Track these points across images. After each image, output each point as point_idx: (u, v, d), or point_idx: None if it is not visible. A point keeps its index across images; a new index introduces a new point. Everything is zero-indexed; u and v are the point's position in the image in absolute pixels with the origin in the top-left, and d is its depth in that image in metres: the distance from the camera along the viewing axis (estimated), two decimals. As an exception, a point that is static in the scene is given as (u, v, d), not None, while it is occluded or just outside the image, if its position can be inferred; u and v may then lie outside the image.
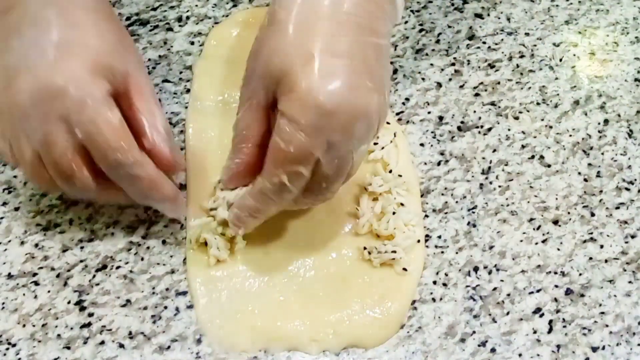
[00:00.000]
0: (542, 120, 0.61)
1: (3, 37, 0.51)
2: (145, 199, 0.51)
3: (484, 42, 0.66)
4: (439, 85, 0.63)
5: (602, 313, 0.52)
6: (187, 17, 0.67)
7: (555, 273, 0.54)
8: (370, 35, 0.49)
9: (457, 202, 0.57)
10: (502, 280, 0.53)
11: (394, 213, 0.54)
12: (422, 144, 0.60)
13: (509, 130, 0.61)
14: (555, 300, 0.52)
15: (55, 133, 0.48)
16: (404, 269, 0.53)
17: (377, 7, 0.49)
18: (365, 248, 0.53)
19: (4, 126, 0.50)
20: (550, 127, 0.61)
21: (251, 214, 0.50)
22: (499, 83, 0.63)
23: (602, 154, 0.59)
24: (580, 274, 0.54)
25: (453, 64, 0.65)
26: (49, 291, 0.53)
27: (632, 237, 0.55)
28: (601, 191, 0.57)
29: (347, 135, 0.47)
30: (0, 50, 0.51)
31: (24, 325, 0.51)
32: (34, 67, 0.49)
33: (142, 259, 0.54)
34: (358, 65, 0.47)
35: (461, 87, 0.63)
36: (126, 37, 0.55)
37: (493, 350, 0.50)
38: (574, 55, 0.65)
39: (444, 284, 0.53)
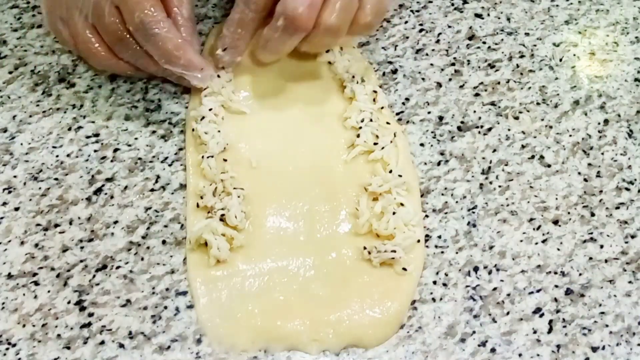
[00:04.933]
0: (542, 120, 0.61)
1: None
2: (170, 62, 0.57)
3: (484, 42, 0.66)
4: (439, 85, 0.63)
5: (602, 313, 0.52)
6: (187, 17, 0.67)
7: (555, 273, 0.54)
8: None
9: (457, 202, 0.57)
10: (502, 280, 0.53)
11: (394, 213, 0.54)
12: (422, 144, 0.60)
13: (509, 130, 0.61)
14: (555, 300, 0.52)
15: (102, 2, 0.57)
16: (404, 269, 0.53)
17: None
18: (365, 248, 0.53)
19: (61, 10, 0.59)
20: (550, 127, 0.61)
21: (236, 31, 0.59)
22: (499, 83, 0.63)
23: (602, 154, 0.59)
24: (580, 274, 0.54)
25: (453, 64, 0.65)
26: (49, 291, 0.53)
27: (632, 237, 0.55)
28: (601, 191, 0.57)
29: None
30: None
31: (24, 325, 0.51)
32: None
33: (142, 259, 0.54)
34: None
35: (461, 87, 0.63)
36: None
37: (493, 350, 0.50)
38: (574, 55, 0.65)
39: (444, 284, 0.53)
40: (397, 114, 0.62)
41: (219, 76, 0.60)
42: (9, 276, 0.53)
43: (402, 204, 0.55)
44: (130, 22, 0.56)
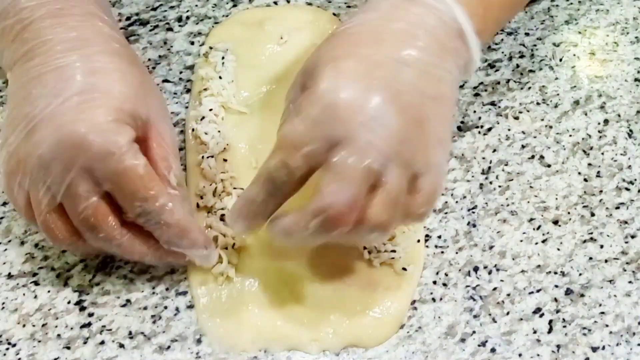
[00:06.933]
0: (542, 120, 0.61)
1: (24, 85, 0.49)
2: (173, 245, 0.50)
3: (484, 42, 0.66)
4: (439, 85, 0.63)
5: (602, 313, 0.52)
6: (187, 17, 0.67)
7: (555, 273, 0.54)
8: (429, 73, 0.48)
9: (457, 202, 0.57)
10: (502, 280, 0.53)
11: (394, 213, 0.54)
12: (422, 144, 0.60)
13: (509, 130, 0.61)
14: (555, 300, 0.52)
15: (79, 184, 0.47)
16: (404, 269, 0.53)
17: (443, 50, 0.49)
18: (365, 248, 0.53)
19: (22, 177, 0.48)
20: (550, 127, 0.61)
21: (249, 208, 0.48)
22: (499, 83, 0.63)
23: (602, 154, 0.59)
24: (580, 274, 0.54)
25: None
26: (49, 291, 0.53)
27: (632, 237, 0.55)
28: (601, 191, 0.57)
29: (352, 134, 0.45)
30: (21, 98, 0.49)
31: (24, 325, 0.51)
32: (55, 116, 0.47)
33: (142, 259, 0.54)
34: (389, 83, 0.46)
35: (461, 87, 0.63)
36: (148, 81, 0.54)
37: (493, 350, 0.50)
38: (574, 55, 0.65)
39: (444, 284, 0.53)
40: (397, 114, 0.62)
41: (220, 257, 0.53)
42: (9, 276, 0.53)
43: (402, 204, 0.55)
44: (131, 210, 0.48)
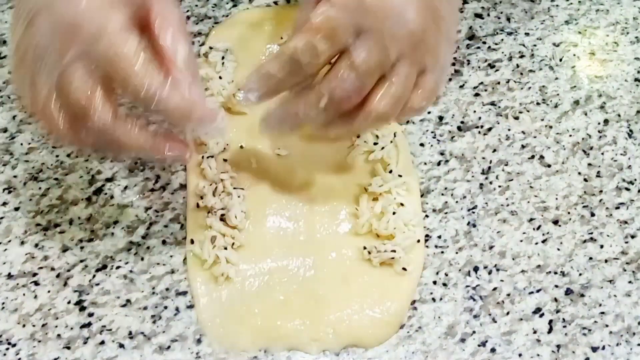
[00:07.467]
0: (542, 120, 0.61)
1: None
2: (180, 127, 0.50)
3: (484, 42, 0.66)
4: (439, 85, 0.63)
5: (602, 313, 0.52)
6: (187, 17, 0.67)
7: (555, 273, 0.54)
8: None
9: (457, 202, 0.57)
10: (502, 280, 0.53)
11: (394, 213, 0.54)
12: (422, 144, 0.60)
13: (509, 130, 0.61)
14: (555, 300, 0.52)
15: (73, 68, 0.46)
16: (404, 269, 0.53)
17: None
18: (365, 248, 0.53)
19: (26, 70, 0.48)
20: (550, 127, 0.61)
21: (266, 83, 0.49)
22: (499, 83, 0.63)
23: (602, 154, 0.59)
24: (580, 274, 0.54)
25: (453, 64, 0.65)
26: (49, 291, 0.53)
27: (632, 237, 0.55)
28: (601, 191, 0.57)
29: (378, 25, 0.47)
30: None
31: (24, 325, 0.51)
32: (51, 4, 0.47)
33: (142, 259, 0.54)
34: None
35: (461, 87, 0.63)
36: None
37: (493, 350, 0.50)
38: (574, 55, 0.65)
39: (444, 284, 0.53)
40: (397, 114, 0.62)
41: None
42: (9, 276, 0.53)
43: (402, 204, 0.55)
44: (128, 94, 0.47)
